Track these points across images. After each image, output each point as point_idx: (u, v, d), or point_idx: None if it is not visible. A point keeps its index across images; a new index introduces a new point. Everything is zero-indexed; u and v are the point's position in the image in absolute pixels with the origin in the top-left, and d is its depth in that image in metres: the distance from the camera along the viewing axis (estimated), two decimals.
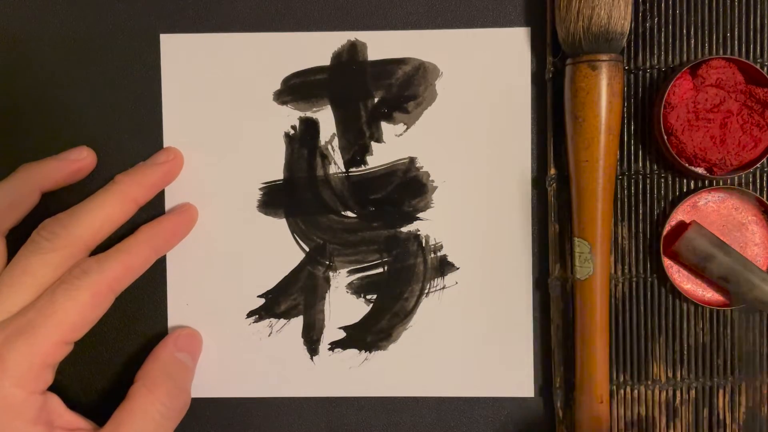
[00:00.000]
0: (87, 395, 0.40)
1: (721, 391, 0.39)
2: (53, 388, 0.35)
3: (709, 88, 0.37)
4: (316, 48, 0.39)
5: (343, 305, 0.40)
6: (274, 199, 0.40)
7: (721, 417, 0.39)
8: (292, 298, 0.40)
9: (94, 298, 0.34)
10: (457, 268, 0.40)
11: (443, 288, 0.40)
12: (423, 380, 0.40)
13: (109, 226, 0.36)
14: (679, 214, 0.39)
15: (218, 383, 0.40)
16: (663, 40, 0.38)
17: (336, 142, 0.40)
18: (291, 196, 0.40)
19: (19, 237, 0.35)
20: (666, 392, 0.39)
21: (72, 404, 0.38)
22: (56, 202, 0.38)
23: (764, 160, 0.37)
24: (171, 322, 0.40)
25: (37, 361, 0.32)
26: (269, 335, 0.40)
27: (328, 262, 0.40)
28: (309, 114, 0.40)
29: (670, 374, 0.39)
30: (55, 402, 0.34)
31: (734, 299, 0.38)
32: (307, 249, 0.40)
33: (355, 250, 0.40)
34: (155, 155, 0.39)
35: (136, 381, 0.36)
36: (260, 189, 0.40)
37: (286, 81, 0.40)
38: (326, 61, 0.39)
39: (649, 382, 0.39)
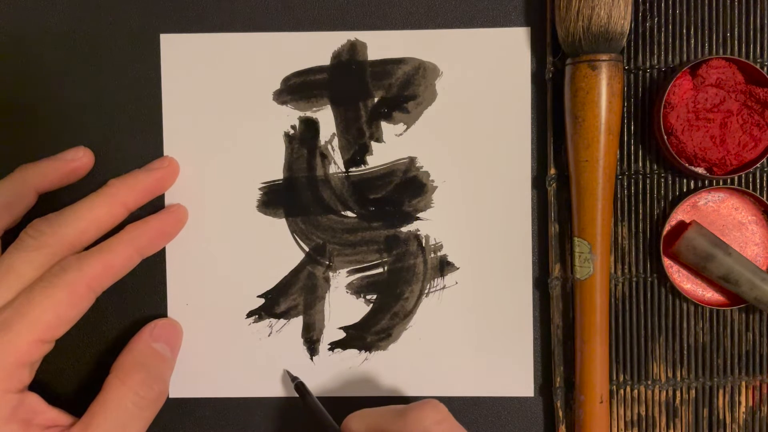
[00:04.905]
0: (88, 395, 0.40)
1: (721, 391, 0.39)
2: (54, 388, 0.35)
3: (709, 88, 0.37)
4: (316, 48, 0.39)
5: (343, 305, 0.40)
6: (274, 199, 0.40)
7: (721, 417, 0.39)
8: (292, 298, 0.40)
9: (71, 297, 0.33)
10: (457, 268, 0.40)
11: (443, 288, 0.40)
12: (423, 380, 0.40)
13: (96, 228, 0.36)
14: (679, 214, 0.39)
15: (218, 383, 0.40)
16: (663, 40, 0.38)
17: (336, 141, 0.40)
18: (291, 196, 0.40)
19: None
20: (666, 392, 0.39)
21: (72, 404, 0.38)
22: (55, 204, 0.38)
23: (764, 160, 0.37)
24: None
25: (11, 360, 0.32)
26: (269, 335, 0.40)
27: (327, 262, 0.40)
28: (309, 114, 0.40)
29: (670, 374, 0.39)
30: (35, 400, 0.34)
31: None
32: (307, 249, 0.40)
33: (355, 250, 0.40)
34: (151, 163, 0.39)
35: (111, 372, 0.36)
36: (260, 189, 0.40)
37: (286, 81, 0.40)
38: (326, 61, 0.39)
39: (649, 382, 0.39)
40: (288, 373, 0.39)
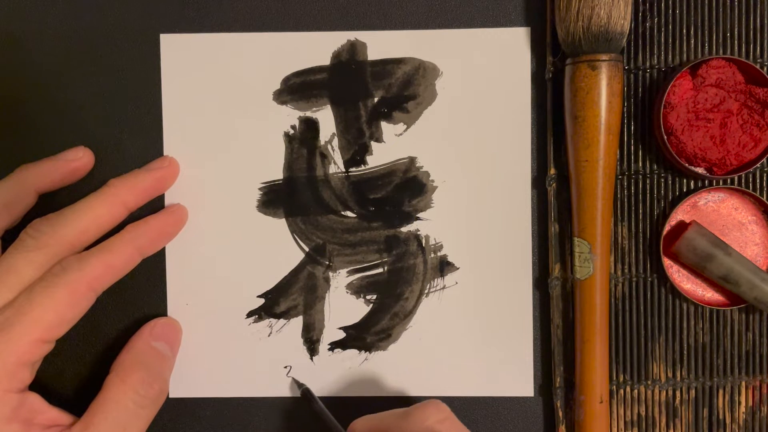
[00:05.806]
0: (88, 395, 0.40)
1: (721, 391, 0.39)
2: (54, 388, 0.35)
3: (709, 88, 0.37)
4: (316, 48, 0.39)
5: (343, 305, 0.40)
6: (274, 199, 0.40)
7: (720, 417, 0.39)
8: (292, 298, 0.40)
9: (71, 296, 0.33)
10: (457, 268, 0.40)
11: (443, 288, 0.40)
12: (423, 380, 0.40)
13: (95, 228, 0.36)
14: (679, 214, 0.39)
15: (218, 383, 0.40)
16: (663, 40, 0.38)
17: (336, 141, 0.40)
18: (291, 196, 0.40)
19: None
20: (666, 392, 0.39)
21: (72, 404, 0.38)
22: (55, 204, 0.38)
23: (764, 160, 0.37)
24: None
25: (12, 360, 0.32)
26: (269, 335, 0.40)
27: (327, 262, 0.40)
28: (309, 114, 0.40)
29: (669, 374, 0.39)
30: (35, 400, 0.34)
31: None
32: (307, 249, 0.40)
33: (354, 250, 0.40)
34: (151, 163, 0.39)
35: (111, 371, 0.36)
36: (260, 189, 0.40)
37: (286, 81, 0.40)
38: (326, 61, 0.39)
39: (649, 382, 0.39)
40: (294, 380, 0.39)
